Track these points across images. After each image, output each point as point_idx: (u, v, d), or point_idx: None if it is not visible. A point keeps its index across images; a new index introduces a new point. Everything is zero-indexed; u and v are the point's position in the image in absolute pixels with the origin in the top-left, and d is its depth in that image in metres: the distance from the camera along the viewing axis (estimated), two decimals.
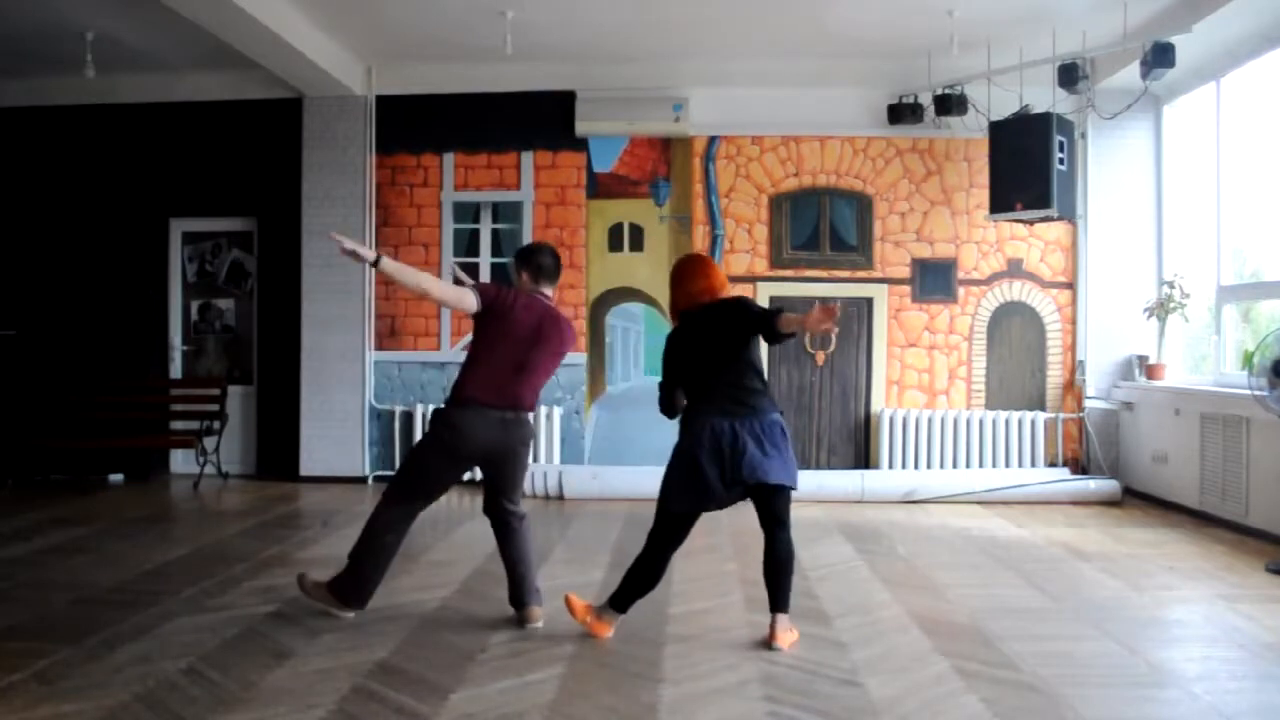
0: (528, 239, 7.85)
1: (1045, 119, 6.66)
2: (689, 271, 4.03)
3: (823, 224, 7.79)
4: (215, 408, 7.81)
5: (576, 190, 7.86)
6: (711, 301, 3.93)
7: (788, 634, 3.74)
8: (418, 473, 4.10)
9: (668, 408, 3.95)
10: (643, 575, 3.82)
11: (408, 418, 7.77)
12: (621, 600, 3.83)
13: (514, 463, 4.09)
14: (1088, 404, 7.59)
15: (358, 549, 4.05)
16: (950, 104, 7.17)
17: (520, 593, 4.05)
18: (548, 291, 4.16)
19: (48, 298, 8.09)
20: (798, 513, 6.55)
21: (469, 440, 3.94)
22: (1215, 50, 6.40)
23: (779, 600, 3.77)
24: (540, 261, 4.13)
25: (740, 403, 3.75)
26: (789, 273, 7.77)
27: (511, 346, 4.00)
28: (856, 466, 7.66)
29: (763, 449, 3.69)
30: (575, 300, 7.84)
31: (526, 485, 7.23)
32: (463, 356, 7.72)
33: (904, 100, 7.41)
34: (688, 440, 3.76)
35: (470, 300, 3.95)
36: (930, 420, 7.59)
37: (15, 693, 3.17)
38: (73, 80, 7.34)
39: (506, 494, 4.13)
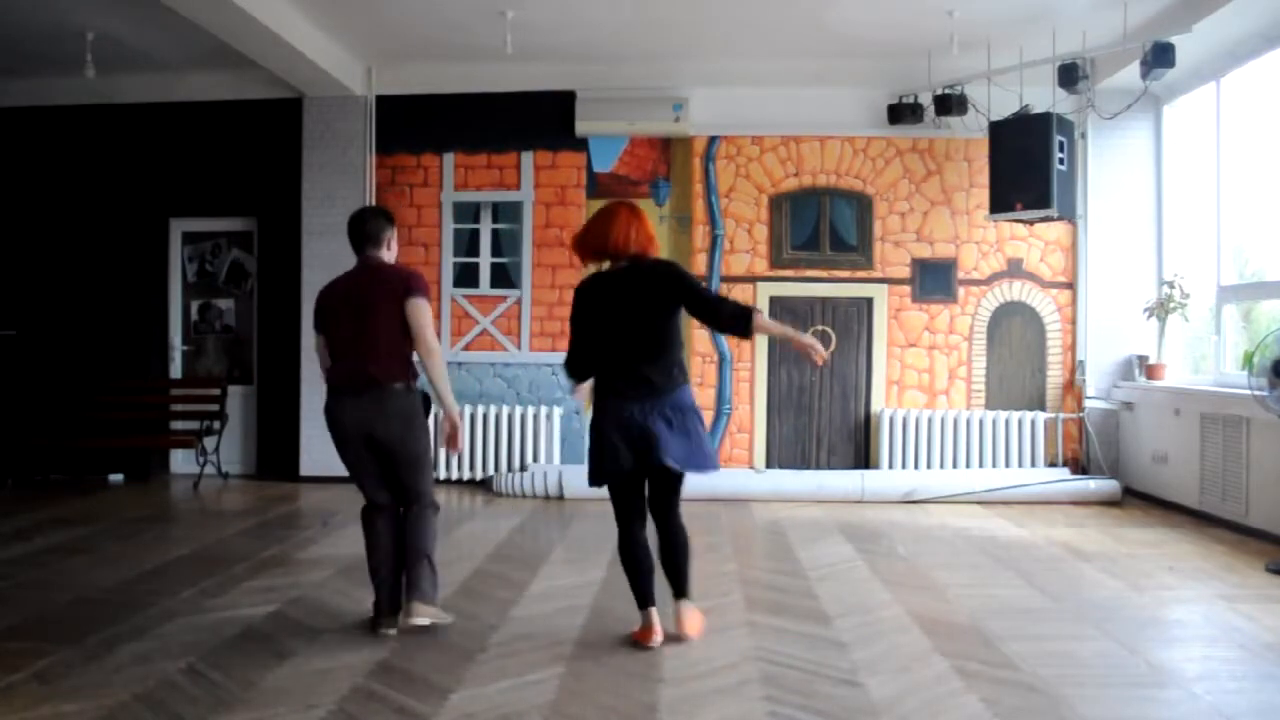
0: (528, 239, 7.87)
1: (1045, 119, 6.66)
2: (612, 216, 3.67)
3: (823, 224, 7.79)
4: (215, 408, 7.81)
5: (576, 190, 7.86)
6: (637, 261, 3.64)
7: (694, 619, 3.71)
8: (346, 466, 4.01)
9: (576, 370, 3.75)
10: (626, 559, 3.72)
11: None
12: (640, 596, 3.70)
13: (397, 441, 3.83)
14: (1088, 404, 7.59)
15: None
16: (950, 104, 7.17)
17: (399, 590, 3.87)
18: (376, 254, 3.95)
19: (48, 298, 8.09)
20: (797, 512, 6.64)
21: (342, 425, 3.86)
22: (1215, 50, 6.40)
23: (682, 586, 3.71)
24: (350, 233, 3.99)
25: (652, 383, 3.55)
26: (789, 273, 7.77)
27: (340, 327, 3.89)
28: (856, 466, 7.66)
29: (671, 430, 3.52)
30: None
31: (527, 485, 7.35)
32: (463, 357, 7.88)
33: (904, 100, 7.41)
34: (598, 415, 3.65)
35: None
36: (930, 420, 7.59)
37: (15, 693, 3.17)
38: (73, 80, 7.34)
39: (403, 481, 3.91)
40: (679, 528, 3.71)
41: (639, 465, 3.55)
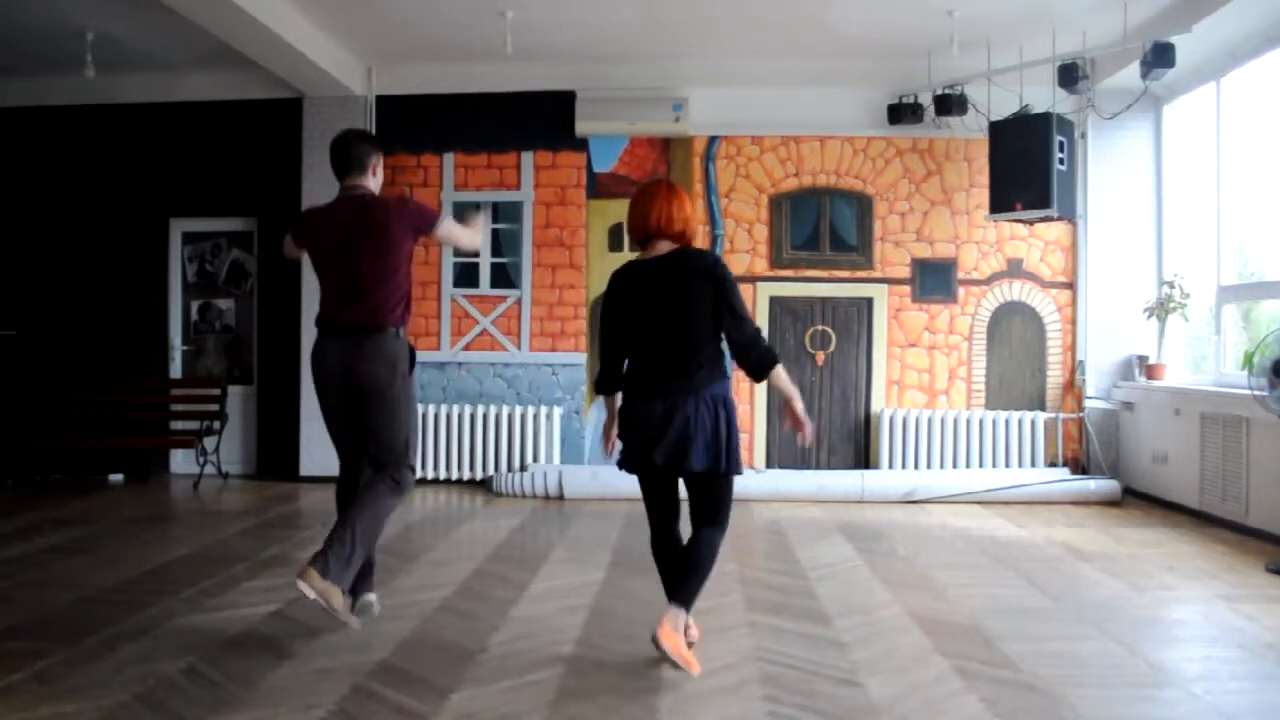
0: (528, 239, 7.87)
1: (1045, 119, 6.66)
2: (651, 196, 3.49)
3: (823, 224, 7.79)
4: (215, 408, 7.81)
5: (576, 190, 7.86)
6: (680, 249, 3.47)
7: (670, 632, 3.24)
8: (326, 422, 3.81)
9: (607, 383, 3.57)
10: (655, 554, 3.57)
11: None
12: (673, 592, 3.42)
13: (377, 383, 3.61)
14: (1088, 404, 7.60)
15: None
16: (950, 104, 7.17)
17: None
18: (359, 183, 3.73)
19: (48, 298, 8.10)
20: (797, 512, 6.63)
21: (324, 366, 3.66)
22: (1215, 50, 6.40)
23: (679, 592, 3.36)
24: (332, 159, 3.76)
25: (679, 380, 3.37)
26: (789, 273, 7.77)
27: (330, 261, 3.70)
28: (856, 466, 7.66)
29: (693, 430, 3.33)
30: (575, 300, 7.84)
31: (527, 485, 7.34)
32: (463, 357, 7.88)
33: (904, 100, 7.41)
34: (624, 407, 3.51)
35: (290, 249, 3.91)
36: (930, 420, 7.59)
37: (15, 693, 3.17)
38: (73, 80, 7.34)
39: (375, 434, 3.66)
40: (704, 540, 3.44)
41: (659, 465, 3.39)
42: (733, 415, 3.42)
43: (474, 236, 3.94)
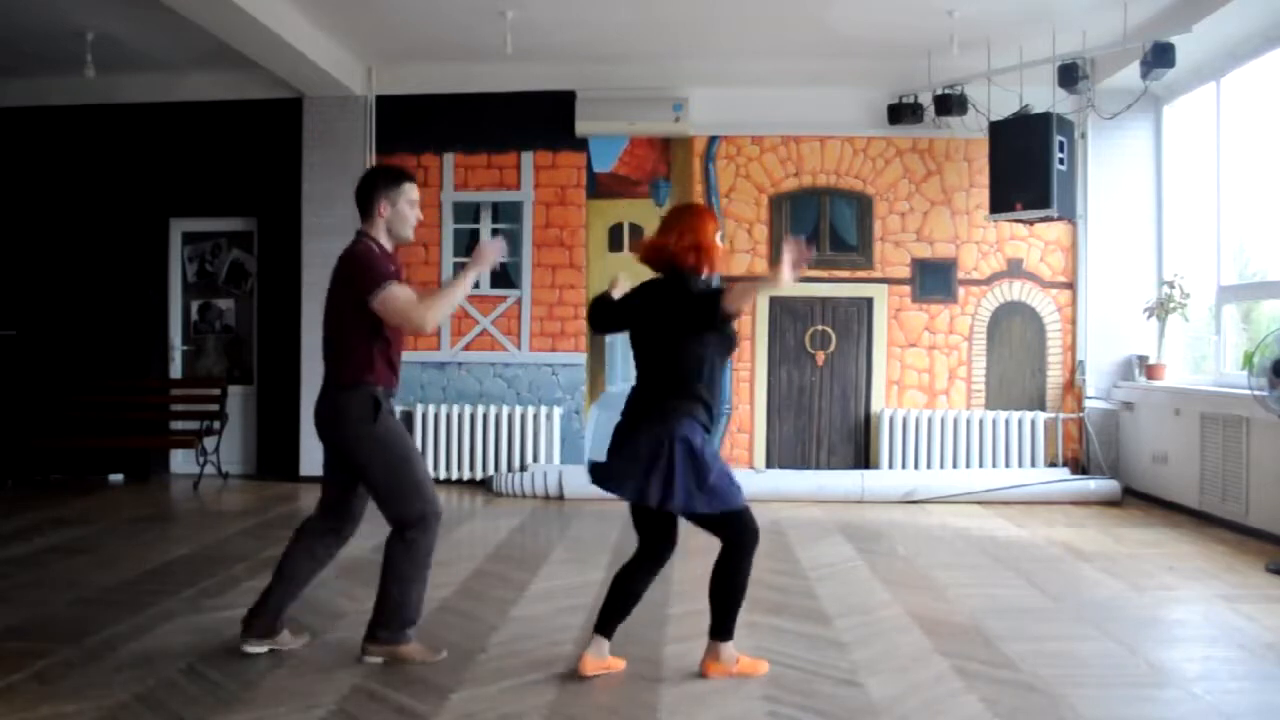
0: (528, 239, 7.87)
1: (1045, 119, 6.66)
2: (663, 221, 3.45)
3: (823, 224, 7.79)
4: (215, 408, 7.81)
5: (576, 190, 7.86)
6: (666, 274, 3.36)
7: (715, 662, 3.35)
8: None
9: (595, 320, 3.55)
10: (621, 578, 3.43)
11: (407, 417, 7.76)
12: (598, 623, 3.41)
13: (342, 446, 3.44)
14: (1088, 404, 7.59)
15: None
16: (950, 104, 7.17)
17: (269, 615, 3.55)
18: (363, 227, 3.53)
19: (48, 298, 8.09)
20: (797, 512, 6.63)
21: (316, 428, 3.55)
22: (1215, 50, 6.40)
23: (713, 623, 3.35)
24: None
25: (644, 411, 3.26)
26: None
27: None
28: (856, 466, 7.66)
29: (652, 464, 3.16)
30: (575, 300, 7.84)
31: (527, 485, 7.33)
32: (463, 357, 7.88)
33: (904, 100, 7.41)
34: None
35: None
36: (930, 420, 7.59)
37: (15, 693, 3.17)
38: (73, 80, 7.33)
39: (368, 491, 3.52)
40: (721, 565, 3.33)
41: (619, 493, 3.27)
42: (696, 453, 3.17)
43: (433, 308, 3.41)
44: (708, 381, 3.28)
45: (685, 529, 3.40)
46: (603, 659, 3.37)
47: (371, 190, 3.50)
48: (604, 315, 3.55)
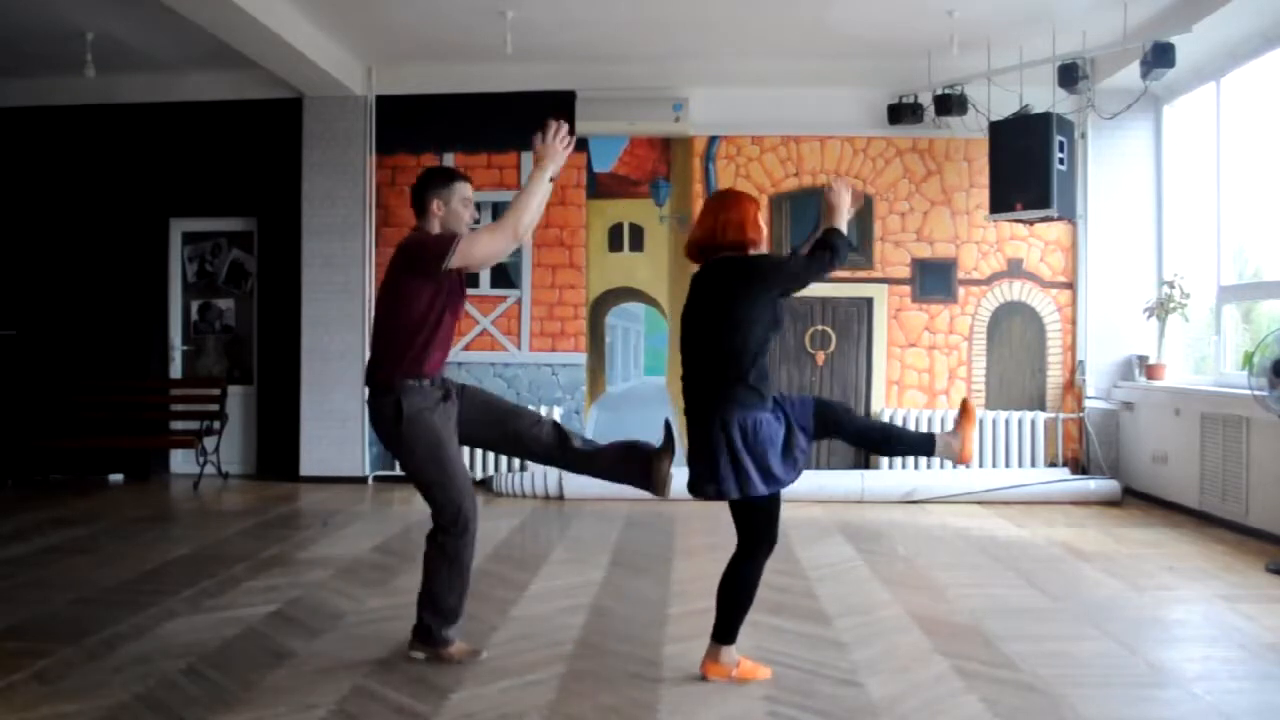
0: (528, 239, 7.84)
1: (1045, 119, 6.66)
2: (703, 209, 3.42)
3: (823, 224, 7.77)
4: (215, 408, 7.81)
5: (576, 190, 7.86)
6: (726, 255, 3.29)
7: (712, 663, 3.34)
8: None
9: None
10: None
11: None
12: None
13: (390, 448, 3.51)
14: (1088, 404, 7.59)
15: None
16: (950, 104, 7.17)
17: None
18: (418, 223, 3.56)
19: (48, 298, 8.09)
20: (797, 512, 6.63)
21: None
22: (1215, 50, 6.40)
23: (716, 625, 3.35)
24: None
25: (701, 398, 3.23)
26: None
27: None
28: (856, 466, 7.65)
29: (705, 449, 3.18)
30: (575, 300, 7.84)
31: (527, 485, 7.33)
32: (464, 357, 7.87)
33: (904, 100, 7.41)
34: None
35: None
36: (930, 420, 7.58)
37: (15, 693, 3.17)
38: (73, 80, 7.34)
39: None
40: (733, 567, 3.29)
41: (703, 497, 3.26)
42: (754, 437, 3.13)
43: (515, 213, 3.40)
44: (763, 361, 3.22)
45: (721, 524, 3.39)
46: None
47: (425, 190, 3.54)
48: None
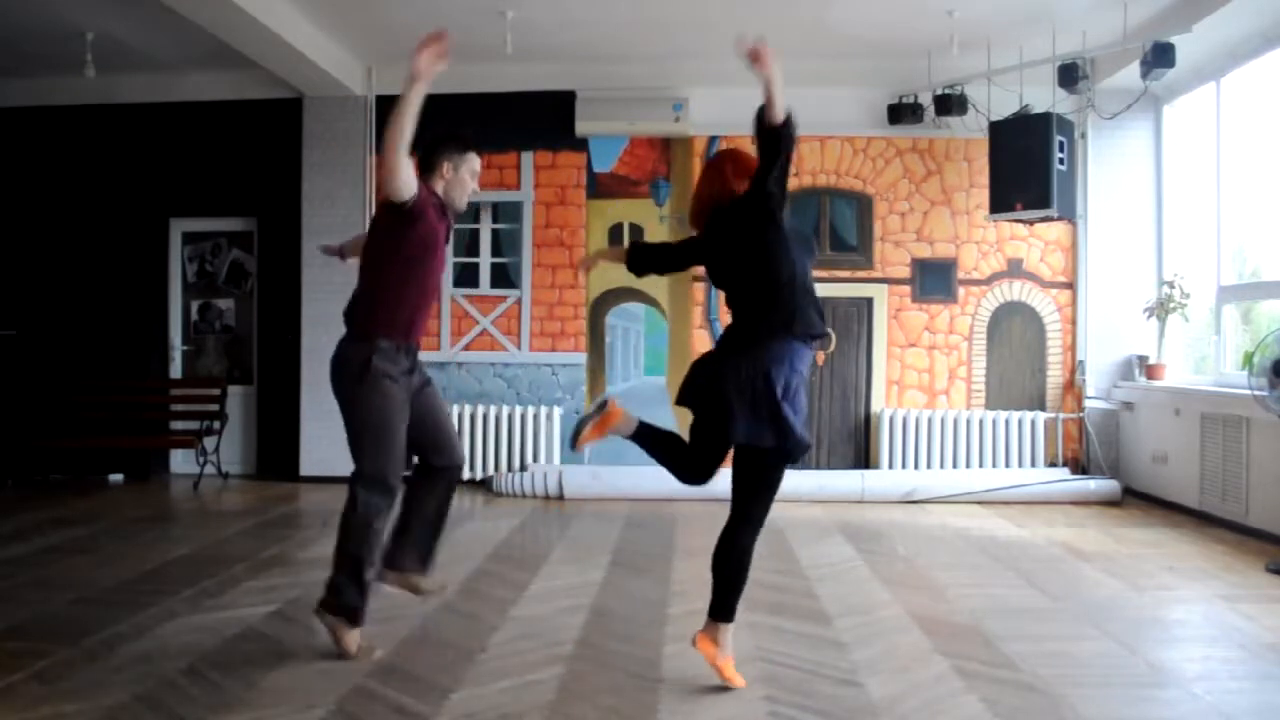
0: (528, 239, 7.87)
1: (1045, 119, 6.66)
2: (700, 175, 3.50)
3: (823, 224, 7.79)
4: (215, 408, 7.81)
5: (576, 190, 7.86)
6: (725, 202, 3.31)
7: (706, 641, 3.27)
8: None
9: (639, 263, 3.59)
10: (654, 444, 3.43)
11: None
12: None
13: (338, 403, 3.54)
14: (1088, 404, 7.59)
15: None
16: (950, 104, 7.17)
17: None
18: (424, 180, 3.64)
19: (48, 298, 8.09)
20: (797, 512, 6.63)
21: None
22: (1215, 50, 6.40)
23: (713, 603, 3.30)
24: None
25: (733, 336, 3.22)
26: None
27: None
28: (856, 466, 7.66)
29: (739, 397, 3.12)
30: (575, 300, 7.84)
31: (527, 485, 7.34)
32: (463, 357, 7.88)
33: (904, 100, 7.41)
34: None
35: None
36: (930, 420, 7.59)
37: (15, 693, 3.17)
38: (73, 80, 7.34)
39: None
40: (731, 539, 3.25)
41: (703, 425, 3.25)
42: (788, 382, 3.11)
43: (388, 137, 3.44)
44: (805, 289, 3.21)
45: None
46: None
47: (439, 150, 3.59)
48: (647, 258, 3.58)
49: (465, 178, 3.59)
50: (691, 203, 3.51)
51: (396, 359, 3.50)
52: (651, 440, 3.42)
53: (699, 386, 3.26)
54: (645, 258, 3.61)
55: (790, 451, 3.15)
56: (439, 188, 3.55)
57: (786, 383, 3.12)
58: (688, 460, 3.38)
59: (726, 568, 3.29)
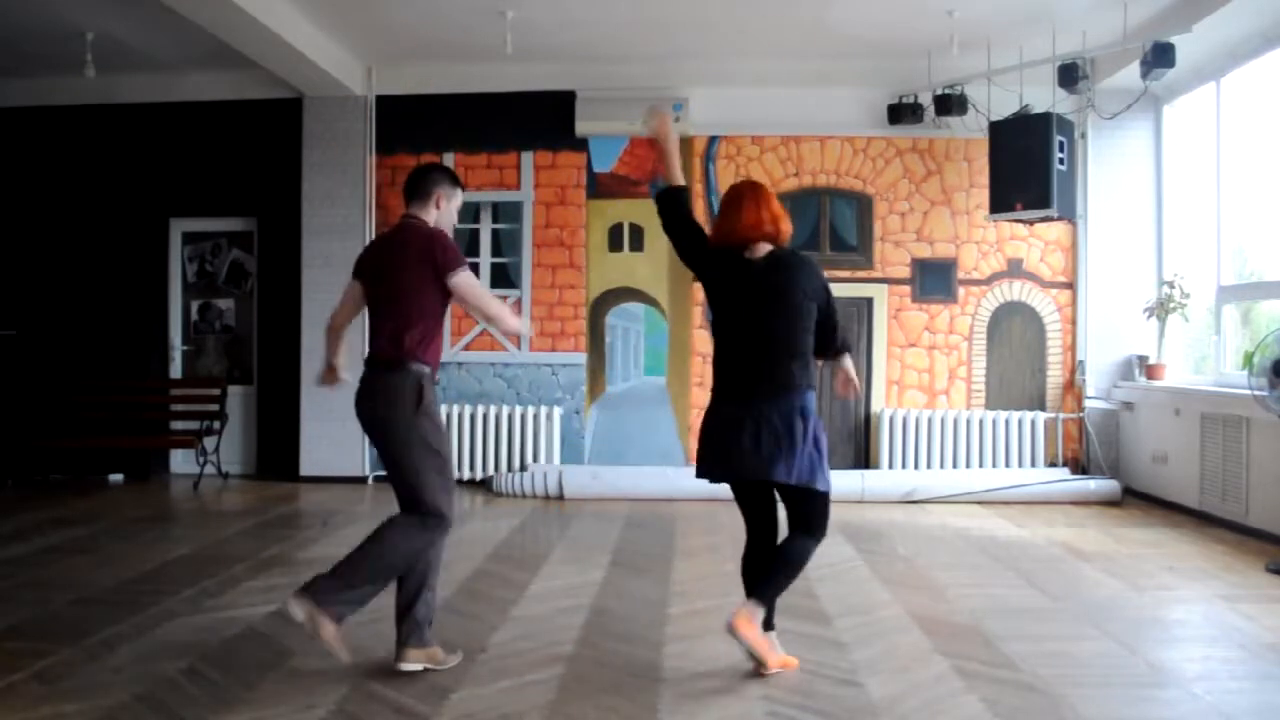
0: (528, 239, 7.87)
1: (1045, 119, 6.66)
2: (739, 201, 3.46)
3: (823, 224, 7.79)
4: (215, 408, 7.81)
5: (576, 190, 7.86)
6: (780, 249, 3.46)
7: (751, 624, 3.23)
8: None
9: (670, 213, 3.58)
10: (746, 566, 3.54)
11: None
12: (752, 588, 3.41)
13: (381, 422, 3.44)
14: (1088, 404, 7.59)
15: None
16: (950, 104, 7.17)
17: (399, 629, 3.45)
18: (413, 211, 3.55)
19: (48, 298, 8.09)
20: None
21: (357, 406, 3.55)
22: (1215, 50, 6.40)
23: (760, 589, 3.33)
24: (404, 186, 3.64)
25: (764, 385, 3.32)
26: None
27: (369, 288, 3.57)
28: (856, 466, 7.66)
29: (770, 439, 3.26)
30: (575, 300, 7.84)
31: (527, 485, 7.34)
32: (463, 357, 7.88)
33: (904, 100, 7.41)
34: (708, 411, 3.48)
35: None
36: (930, 420, 7.59)
37: (15, 693, 3.17)
38: (73, 80, 7.34)
39: (387, 468, 3.50)
40: (797, 543, 3.38)
41: (730, 477, 3.40)
42: (819, 426, 3.37)
43: (503, 310, 3.63)
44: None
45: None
46: (754, 623, 3.25)
47: (433, 181, 3.60)
48: (675, 206, 3.59)
49: (453, 213, 3.66)
50: (719, 232, 3.51)
51: (433, 388, 3.53)
52: (767, 575, 3.40)
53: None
54: (674, 205, 3.59)
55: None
56: (430, 217, 3.56)
57: (816, 426, 3.39)
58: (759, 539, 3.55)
59: (784, 561, 3.38)
